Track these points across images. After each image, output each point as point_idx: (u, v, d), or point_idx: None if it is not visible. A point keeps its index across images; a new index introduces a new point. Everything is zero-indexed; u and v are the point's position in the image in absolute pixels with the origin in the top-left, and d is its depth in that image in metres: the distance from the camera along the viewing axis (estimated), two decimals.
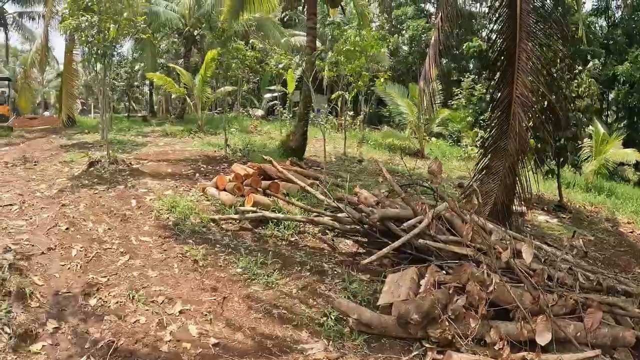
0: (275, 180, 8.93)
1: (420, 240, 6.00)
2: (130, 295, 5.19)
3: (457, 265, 5.23)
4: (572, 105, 11.85)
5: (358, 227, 7.02)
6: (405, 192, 7.49)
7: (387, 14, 37.11)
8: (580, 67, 12.57)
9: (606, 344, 4.84)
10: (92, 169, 10.18)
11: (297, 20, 32.24)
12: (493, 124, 8.45)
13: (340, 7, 16.27)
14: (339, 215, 7.25)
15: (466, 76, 25.56)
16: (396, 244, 5.93)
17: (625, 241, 10.08)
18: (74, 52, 19.21)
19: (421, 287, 5.13)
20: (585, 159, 17.10)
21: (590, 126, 15.38)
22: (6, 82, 25.18)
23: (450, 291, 4.86)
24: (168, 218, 7.62)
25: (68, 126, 20.54)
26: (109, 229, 7.06)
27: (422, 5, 38.09)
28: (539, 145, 10.81)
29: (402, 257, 6.39)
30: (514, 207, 8.07)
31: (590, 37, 25.80)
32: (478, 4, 38.77)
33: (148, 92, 38.42)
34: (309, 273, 6.23)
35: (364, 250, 7.19)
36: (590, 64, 13.65)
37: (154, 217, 7.61)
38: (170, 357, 4.29)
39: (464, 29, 29.01)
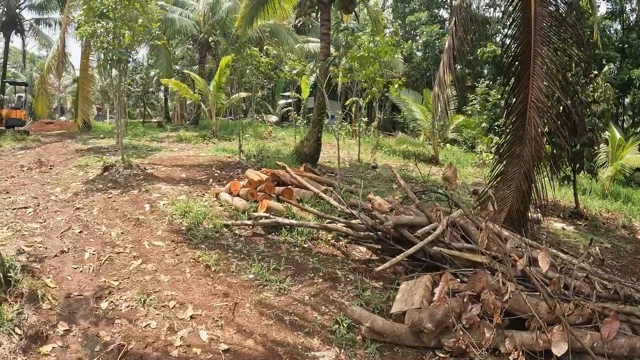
0: (289, 186, 8.92)
1: (435, 248, 5.94)
2: (142, 300, 5.18)
3: (471, 274, 5.15)
4: (587, 110, 11.71)
5: (372, 233, 6.96)
6: (420, 199, 7.42)
7: (400, 19, 37.10)
8: (595, 72, 12.37)
9: (623, 354, 4.71)
10: (106, 173, 10.25)
11: (310, 27, 32.36)
12: (508, 130, 8.35)
13: (354, 13, 16.22)
14: (353, 221, 7.22)
15: (480, 82, 25.42)
16: (410, 251, 5.86)
17: None
18: (89, 58, 19.47)
19: (435, 295, 5.05)
20: (602, 165, 16.85)
21: (606, 131, 15.13)
22: (23, 87, 25.56)
23: (465, 300, 4.78)
24: (181, 223, 7.62)
25: (84, 131, 20.84)
26: (122, 233, 7.08)
27: (436, 10, 38.17)
28: (554, 151, 10.68)
29: (416, 264, 6.33)
30: (529, 214, 7.96)
31: (605, 41, 25.57)
32: (491, 9, 38.76)
33: (163, 98, 38.86)
34: (321, 280, 6.18)
35: (377, 257, 7.14)
36: (606, 68, 13.42)
37: (167, 222, 7.61)
38: None
39: (478, 34, 28.91)
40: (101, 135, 19.90)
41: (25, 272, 5.32)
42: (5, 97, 24.92)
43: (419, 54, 34.84)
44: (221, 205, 8.68)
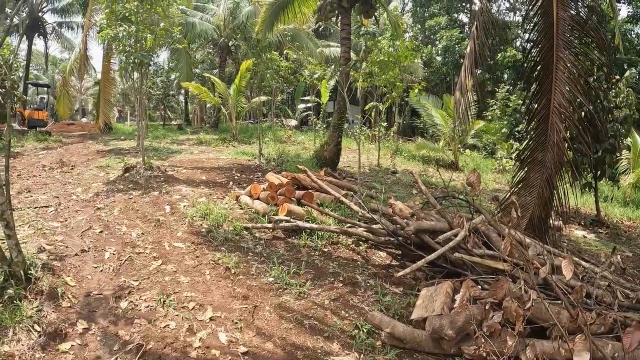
0: (309, 190, 8.91)
1: (456, 254, 5.89)
2: (161, 300, 5.21)
3: (493, 281, 5.09)
4: (610, 115, 11.54)
5: (392, 239, 6.92)
6: (440, 205, 7.37)
7: (420, 24, 36.99)
8: (617, 77, 12.18)
9: None
10: (127, 174, 10.34)
11: (331, 31, 32.45)
12: (529, 136, 8.25)
13: (373, 17, 16.21)
14: (373, 226, 7.19)
15: (501, 87, 25.20)
16: (431, 257, 5.81)
17: None
18: (111, 61, 19.76)
19: (456, 302, 4.99)
20: (623, 172, 16.55)
21: (628, 138, 14.86)
22: (45, 89, 26.01)
23: (486, 307, 4.71)
24: (201, 225, 7.66)
25: (105, 132, 21.14)
26: (142, 233, 7.13)
27: (455, 15, 37.93)
28: (576, 158, 10.53)
29: (437, 270, 6.27)
30: (550, 221, 7.85)
31: (626, 45, 25.13)
32: (512, 14, 38.43)
33: (183, 101, 39.18)
34: (341, 284, 6.15)
35: (398, 263, 7.09)
36: (628, 72, 13.18)
37: (187, 224, 7.65)
38: None
39: (498, 39, 28.66)
40: (122, 137, 20.11)
41: (46, 270, 5.39)
42: (27, 98, 25.31)
43: (439, 58, 34.70)
44: (241, 208, 8.70)
